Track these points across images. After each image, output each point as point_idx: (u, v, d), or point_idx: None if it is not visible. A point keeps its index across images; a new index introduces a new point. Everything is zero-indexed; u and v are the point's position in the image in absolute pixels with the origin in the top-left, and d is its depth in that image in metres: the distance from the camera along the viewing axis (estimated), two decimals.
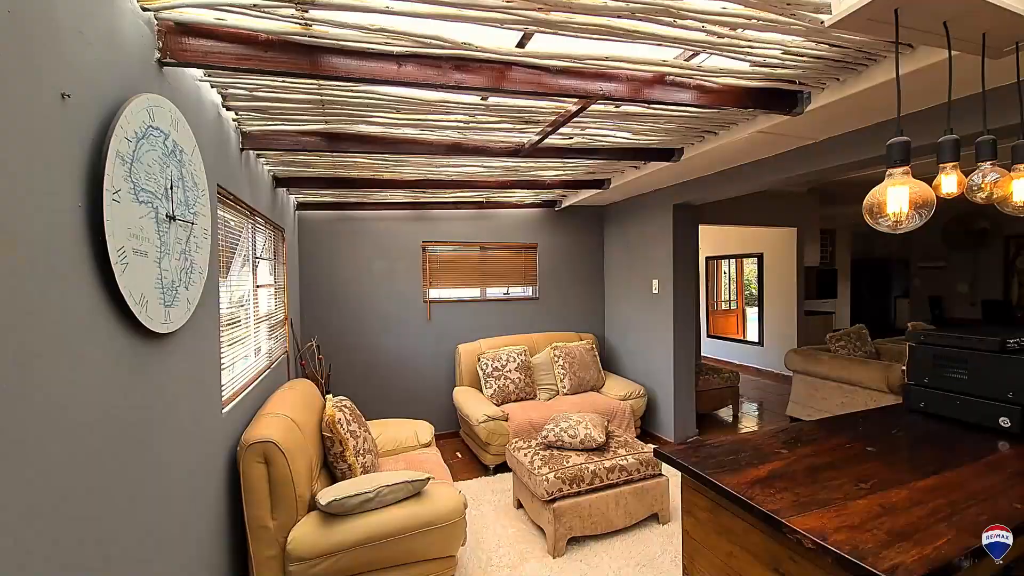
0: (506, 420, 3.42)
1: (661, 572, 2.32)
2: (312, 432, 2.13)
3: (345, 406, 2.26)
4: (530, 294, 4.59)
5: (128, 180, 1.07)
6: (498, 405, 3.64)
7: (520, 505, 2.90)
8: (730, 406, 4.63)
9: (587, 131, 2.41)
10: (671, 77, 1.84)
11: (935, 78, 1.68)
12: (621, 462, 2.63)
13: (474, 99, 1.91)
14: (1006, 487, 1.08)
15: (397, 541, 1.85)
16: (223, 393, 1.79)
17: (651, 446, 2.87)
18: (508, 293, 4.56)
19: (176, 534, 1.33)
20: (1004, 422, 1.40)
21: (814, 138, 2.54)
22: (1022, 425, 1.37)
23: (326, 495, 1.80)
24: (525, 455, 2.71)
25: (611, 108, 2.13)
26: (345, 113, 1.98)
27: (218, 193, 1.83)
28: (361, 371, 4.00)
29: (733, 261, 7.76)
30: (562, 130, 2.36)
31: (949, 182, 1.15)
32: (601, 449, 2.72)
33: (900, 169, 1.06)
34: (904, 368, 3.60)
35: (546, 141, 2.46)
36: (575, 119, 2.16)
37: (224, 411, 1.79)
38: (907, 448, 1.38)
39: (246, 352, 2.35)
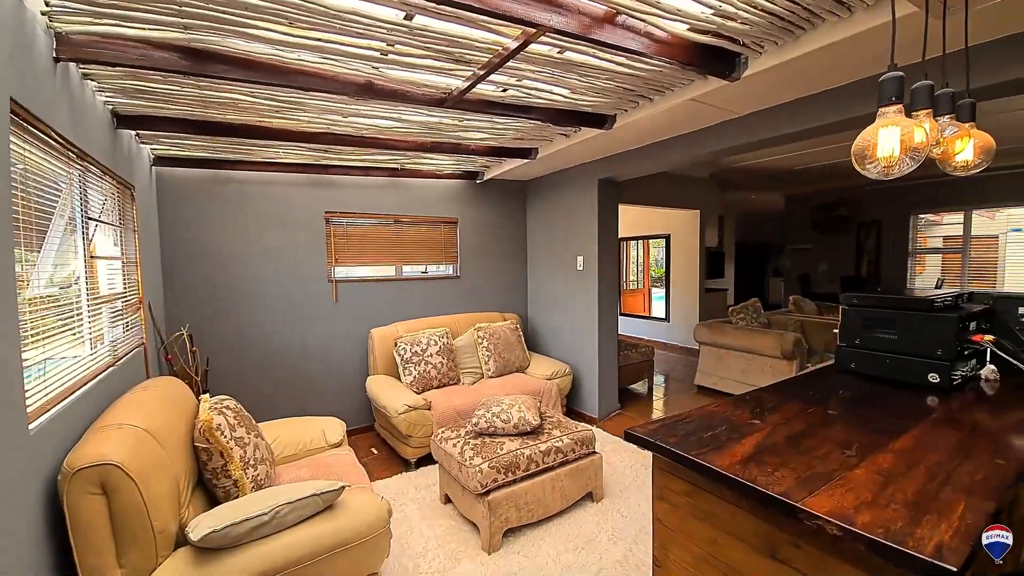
0: (428, 409, 3.11)
1: (600, 552, 2.23)
2: (180, 444, 1.63)
3: (227, 408, 1.78)
4: (451, 272, 4.27)
5: None
6: (419, 393, 3.31)
7: (448, 500, 2.64)
8: (646, 379, 4.80)
9: (523, 82, 2.15)
10: (623, 17, 1.65)
11: (882, 43, 1.70)
12: (557, 444, 2.49)
13: (396, 15, 1.53)
14: (973, 442, 1.08)
15: (304, 570, 1.48)
16: (29, 402, 1.25)
17: (584, 424, 2.78)
18: (427, 272, 4.19)
19: None
20: (933, 378, 1.47)
21: (740, 111, 2.56)
22: (950, 380, 1.44)
23: (200, 526, 1.36)
24: (454, 446, 2.45)
25: (553, 53, 1.89)
26: (214, 17, 1.47)
27: (12, 112, 1.25)
28: (251, 364, 3.38)
29: (641, 243, 8.15)
30: (496, 78, 2.07)
31: (920, 131, 1.10)
32: (536, 432, 2.55)
33: (893, 107, 0.98)
34: (797, 336, 3.98)
35: (477, 90, 2.15)
36: (513, 61, 1.88)
37: (33, 426, 1.25)
38: (860, 408, 1.37)
39: (75, 344, 1.74)
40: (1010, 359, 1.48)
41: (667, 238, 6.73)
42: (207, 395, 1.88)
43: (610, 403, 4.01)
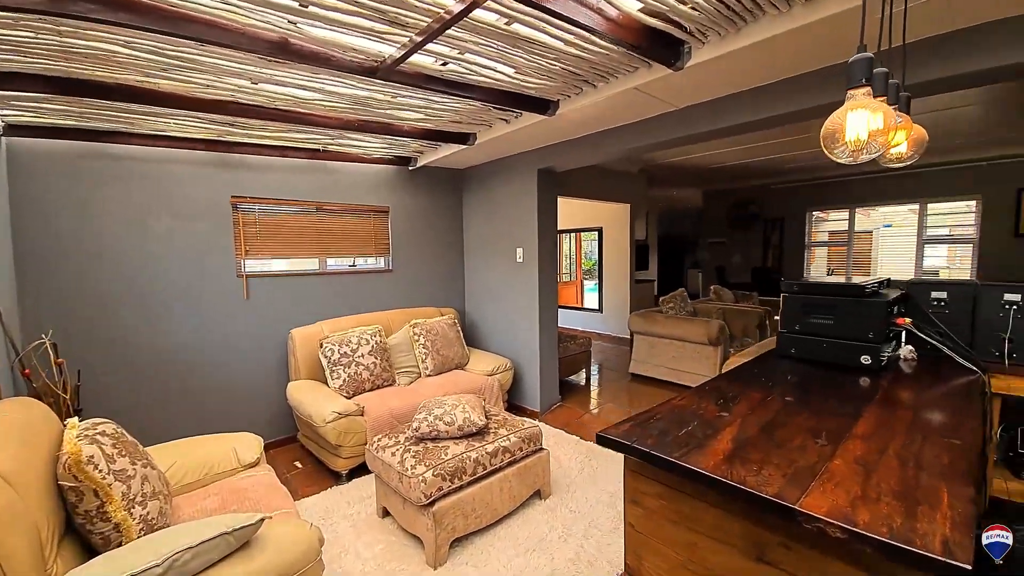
0: (361, 415, 2.84)
1: (552, 552, 2.15)
2: (39, 483, 1.26)
3: (102, 434, 1.42)
4: (382, 265, 3.96)
5: None
6: (349, 398, 3.02)
7: (387, 513, 2.42)
8: (583, 370, 4.85)
9: (465, 55, 1.97)
10: None
11: (816, 40, 1.76)
12: (504, 443, 2.37)
13: None
14: (923, 423, 1.12)
15: None
16: None
17: (531, 421, 2.69)
18: (355, 265, 3.84)
19: None
20: (865, 359, 1.55)
21: (680, 104, 2.59)
22: (879, 361, 1.53)
23: None
24: (393, 454, 2.23)
25: (500, 24, 1.73)
26: None
27: None
28: (139, 376, 2.85)
29: (573, 235, 8.29)
30: (436, 48, 1.87)
31: (876, 118, 1.11)
32: (482, 433, 2.41)
33: (862, 90, 0.97)
34: (721, 323, 4.22)
35: (414, 60, 1.94)
36: (455, 29, 1.70)
37: None
38: (811, 393, 1.40)
39: None
40: (927, 338, 1.61)
41: (599, 231, 6.88)
42: (76, 419, 1.50)
43: (551, 396, 3.98)
